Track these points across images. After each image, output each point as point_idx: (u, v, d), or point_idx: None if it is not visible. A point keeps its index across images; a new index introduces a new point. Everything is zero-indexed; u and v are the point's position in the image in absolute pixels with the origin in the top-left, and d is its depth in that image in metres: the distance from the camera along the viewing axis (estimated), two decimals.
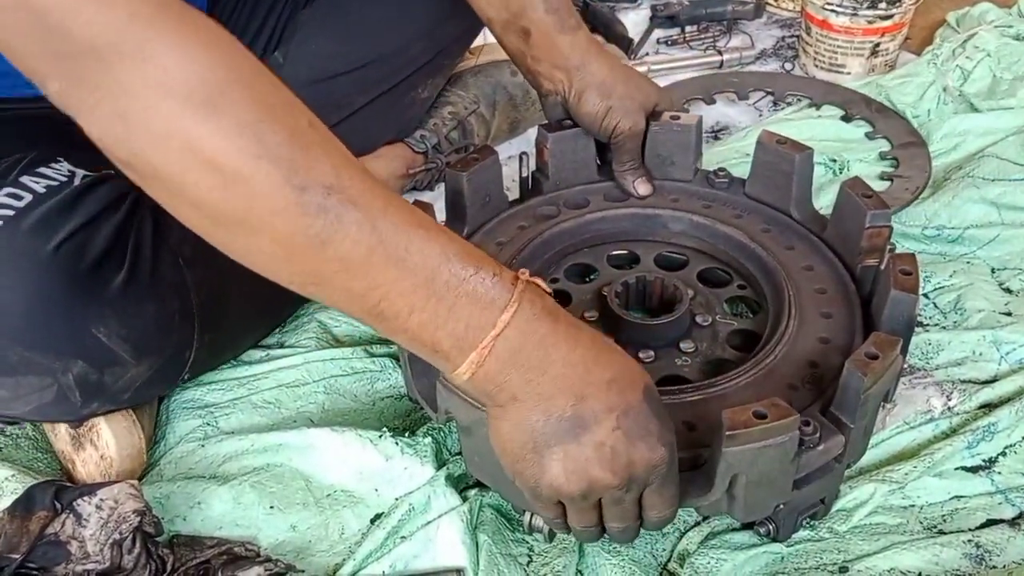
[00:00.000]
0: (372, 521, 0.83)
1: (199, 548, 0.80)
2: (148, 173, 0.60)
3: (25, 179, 0.79)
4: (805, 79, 1.46)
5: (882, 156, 1.26)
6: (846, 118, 1.34)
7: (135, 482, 0.77)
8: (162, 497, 0.83)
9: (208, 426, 0.91)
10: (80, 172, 0.82)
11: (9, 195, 0.77)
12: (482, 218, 0.97)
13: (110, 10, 0.55)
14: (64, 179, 0.81)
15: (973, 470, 0.84)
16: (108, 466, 0.84)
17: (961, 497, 0.83)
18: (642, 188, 0.99)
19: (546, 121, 1.02)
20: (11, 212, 0.76)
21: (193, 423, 0.91)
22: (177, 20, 0.57)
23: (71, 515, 0.74)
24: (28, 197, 0.78)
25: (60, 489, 0.75)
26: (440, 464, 0.85)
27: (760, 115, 1.39)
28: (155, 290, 0.80)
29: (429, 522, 0.80)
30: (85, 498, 0.74)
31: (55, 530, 0.73)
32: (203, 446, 0.89)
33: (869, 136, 1.31)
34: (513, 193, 1.01)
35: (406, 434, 0.87)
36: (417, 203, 0.89)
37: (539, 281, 0.66)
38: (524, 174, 1.01)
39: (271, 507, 0.83)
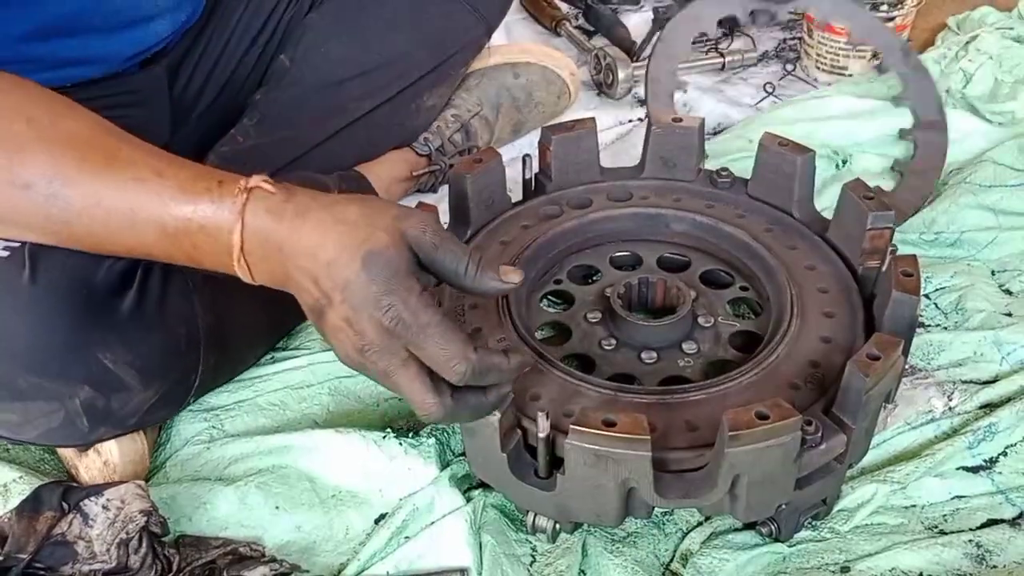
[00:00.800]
0: (376, 521, 0.84)
1: (204, 548, 0.80)
2: None
3: None
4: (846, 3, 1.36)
5: (901, 135, 1.26)
6: (880, 68, 1.31)
7: (141, 482, 0.78)
8: (168, 498, 0.84)
9: (213, 428, 0.91)
10: None
11: None
12: (485, 219, 0.97)
13: None
14: None
15: (974, 470, 0.85)
16: (111, 472, 0.84)
17: (962, 497, 0.83)
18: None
19: (549, 124, 1.02)
20: (16, 243, 0.76)
21: (199, 426, 0.91)
22: None
23: (78, 515, 0.74)
24: None
25: (67, 489, 0.76)
26: (444, 465, 0.86)
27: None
28: (163, 316, 0.81)
29: (433, 522, 0.81)
30: (92, 498, 0.75)
31: (62, 530, 0.73)
32: (208, 448, 0.89)
33: (896, 101, 1.29)
34: (516, 195, 1.02)
35: (410, 435, 0.88)
36: (421, 205, 0.90)
37: (262, 182, 0.70)
38: (527, 176, 1.02)
39: (276, 507, 0.84)
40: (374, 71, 1.12)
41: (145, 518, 0.74)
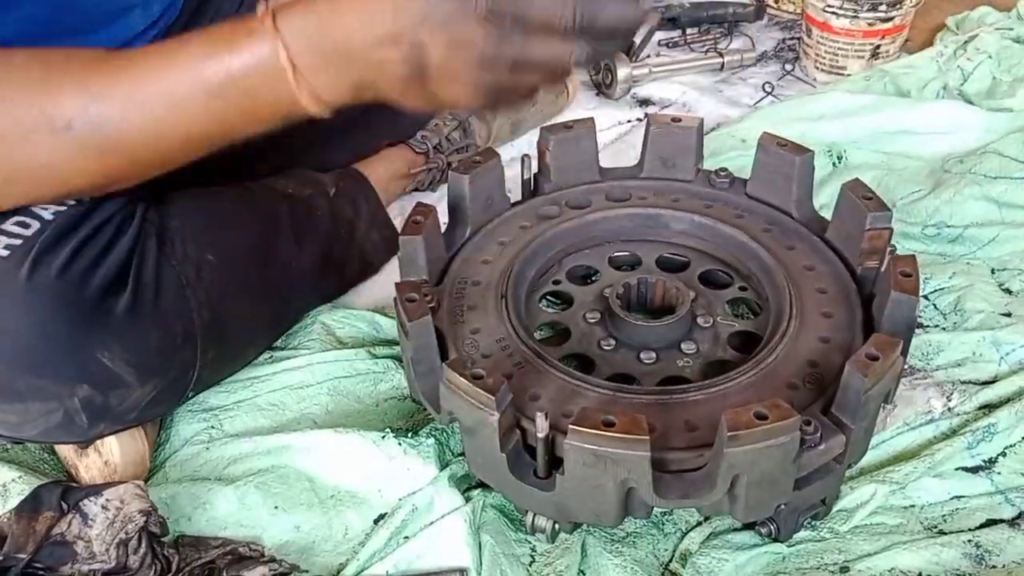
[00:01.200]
0: (375, 521, 0.84)
1: (204, 548, 0.80)
2: None
3: (36, 207, 0.80)
4: None
5: None
6: None
7: (140, 483, 0.78)
8: (167, 498, 0.84)
9: (213, 429, 0.91)
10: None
11: (18, 223, 0.78)
12: (484, 219, 0.97)
13: None
14: (71, 202, 0.80)
15: (973, 470, 0.85)
16: (112, 472, 0.84)
17: (961, 497, 0.83)
18: None
19: (548, 124, 1.02)
20: (18, 241, 0.76)
21: (198, 426, 0.91)
22: None
23: (77, 515, 0.74)
24: (36, 224, 0.78)
25: (67, 490, 0.76)
26: (443, 465, 0.86)
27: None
28: (158, 313, 0.81)
29: (432, 522, 0.81)
30: (91, 498, 0.75)
31: (61, 530, 0.73)
32: (208, 448, 0.89)
33: None
34: (515, 195, 1.02)
35: (409, 435, 0.88)
36: (419, 205, 0.90)
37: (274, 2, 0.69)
38: (526, 176, 1.02)
39: (275, 507, 0.84)
40: None
41: (144, 518, 0.74)
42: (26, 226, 0.77)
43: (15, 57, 0.70)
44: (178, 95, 0.69)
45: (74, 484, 0.78)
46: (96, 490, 0.75)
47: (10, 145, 0.69)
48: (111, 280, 0.78)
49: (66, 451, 0.88)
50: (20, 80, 0.69)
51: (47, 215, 0.79)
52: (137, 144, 0.70)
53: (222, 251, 0.89)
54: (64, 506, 0.75)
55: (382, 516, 0.84)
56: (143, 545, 0.74)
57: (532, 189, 1.02)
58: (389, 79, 0.67)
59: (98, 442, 0.85)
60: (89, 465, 0.85)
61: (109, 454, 0.84)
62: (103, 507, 0.74)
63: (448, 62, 0.64)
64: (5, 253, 0.75)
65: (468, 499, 0.82)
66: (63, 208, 0.80)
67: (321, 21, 0.66)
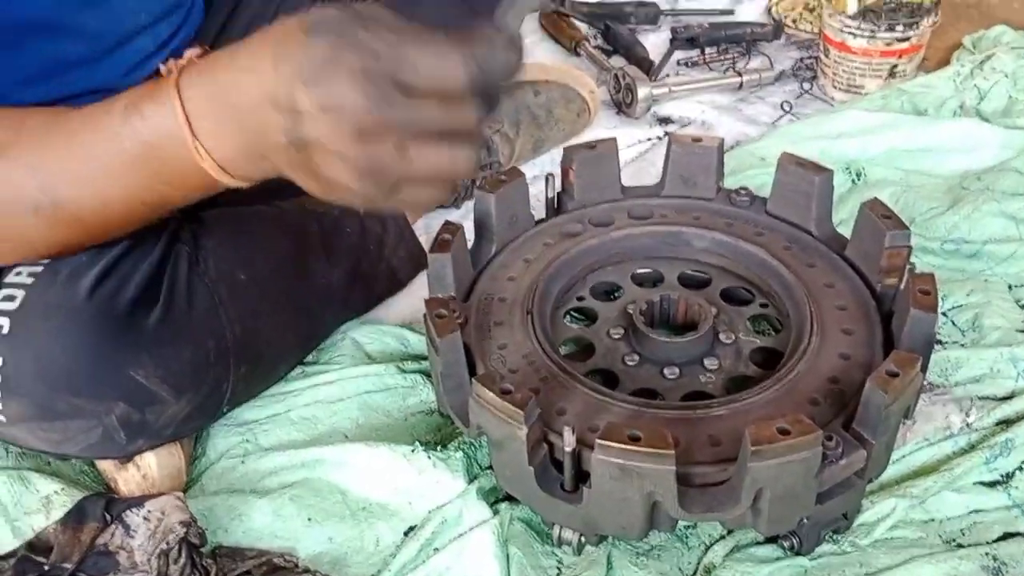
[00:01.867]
0: (406, 533, 0.85)
1: (240, 559, 0.82)
2: None
3: None
4: None
5: None
6: None
7: (180, 494, 0.80)
8: (205, 510, 0.86)
9: (247, 442, 0.93)
10: None
11: None
12: (509, 237, 1.00)
13: None
14: None
15: (991, 485, 0.86)
16: (150, 485, 0.86)
17: (979, 511, 0.84)
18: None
19: (571, 142, 1.04)
20: (39, 268, 0.79)
21: (233, 439, 0.94)
22: None
23: (120, 526, 0.77)
24: None
25: (110, 501, 0.78)
26: (471, 478, 0.88)
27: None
28: (191, 330, 0.83)
29: (461, 535, 0.83)
30: (133, 510, 0.77)
31: (105, 540, 0.76)
32: (243, 462, 0.91)
33: None
34: (539, 213, 1.04)
35: (438, 448, 0.90)
36: (447, 224, 0.92)
37: (170, 66, 0.68)
38: (550, 194, 1.04)
39: (309, 519, 0.86)
40: None
41: (184, 529, 0.76)
42: None
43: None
44: (108, 164, 0.70)
45: (116, 496, 0.80)
46: (138, 502, 0.77)
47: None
48: (141, 297, 0.80)
49: (105, 465, 0.90)
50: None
51: None
52: (89, 215, 0.73)
53: (254, 269, 0.91)
54: (107, 517, 0.77)
55: (412, 528, 0.86)
56: (183, 555, 0.76)
57: (556, 207, 1.05)
58: (274, 149, 0.62)
59: (136, 456, 0.87)
60: (128, 479, 0.87)
61: (147, 468, 0.86)
62: (144, 518, 0.77)
63: (321, 130, 0.57)
64: (30, 280, 0.78)
65: (496, 512, 0.84)
66: None
67: (217, 77, 0.63)
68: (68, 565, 0.74)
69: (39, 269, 0.79)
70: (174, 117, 0.65)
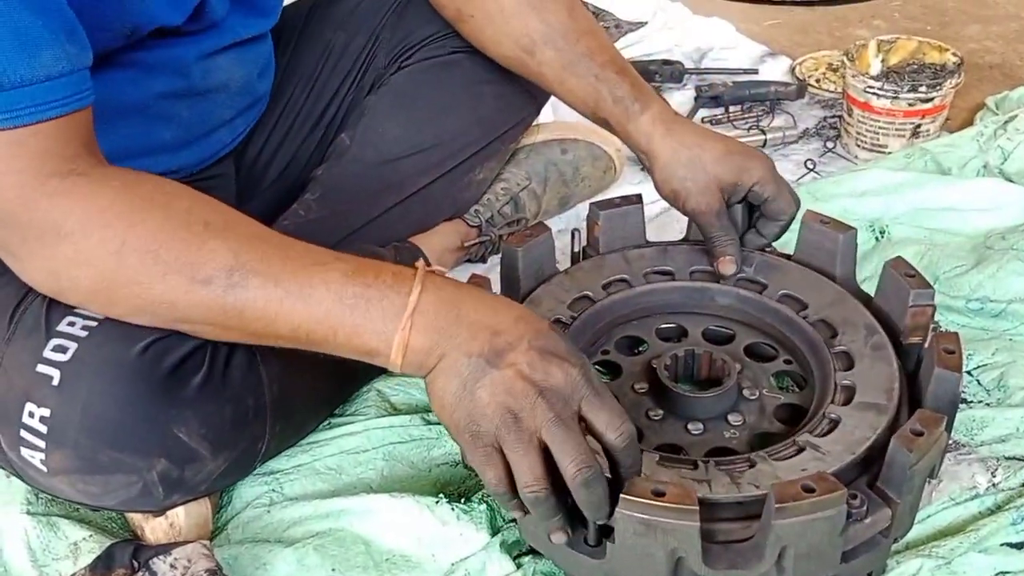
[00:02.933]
0: None
1: None
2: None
3: None
4: None
5: None
6: None
7: (207, 542, 0.80)
8: (230, 559, 0.86)
9: (273, 492, 0.94)
10: None
11: None
12: (534, 290, 1.01)
13: (23, 192, 0.71)
14: None
15: (1018, 546, 0.85)
16: (176, 534, 0.87)
17: (1006, 573, 0.83)
18: (724, 268, 1.00)
19: (597, 198, 1.06)
20: (95, 323, 0.80)
21: (259, 489, 0.94)
22: (83, 194, 0.73)
23: (147, 573, 0.77)
24: None
25: (137, 548, 0.79)
26: (495, 531, 0.88)
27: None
28: (231, 389, 0.84)
29: None
30: (160, 557, 0.78)
31: None
32: (269, 511, 0.92)
33: None
34: (564, 266, 1.05)
35: (462, 500, 0.90)
36: (473, 277, 0.93)
37: (437, 268, 0.78)
38: (576, 249, 1.05)
39: (333, 570, 0.86)
40: (428, 150, 1.16)
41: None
42: None
43: (178, 202, 0.76)
44: (314, 291, 0.73)
45: (144, 543, 0.81)
46: (165, 549, 0.78)
47: (150, 282, 0.73)
48: (187, 357, 0.81)
49: (133, 514, 0.91)
50: (178, 227, 0.74)
51: None
52: (254, 316, 0.74)
53: None
54: (135, 564, 0.78)
55: None
56: None
57: (581, 261, 1.06)
58: (460, 356, 0.72)
59: None
60: (155, 527, 0.88)
61: (175, 516, 0.87)
62: (171, 566, 0.77)
63: (507, 377, 0.71)
64: (84, 333, 0.79)
65: (519, 565, 0.84)
66: None
67: (459, 293, 0.75)
68: None
69: (94, 324, 0.80)
70: (408, 293, 0.73)
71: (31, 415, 0.79)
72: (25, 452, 0.80)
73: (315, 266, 0.74)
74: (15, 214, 0.72)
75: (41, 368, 0.79)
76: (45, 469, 0.80)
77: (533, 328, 0.73)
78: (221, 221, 0.76)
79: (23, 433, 0.79)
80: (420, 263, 0.76)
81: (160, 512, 0.87)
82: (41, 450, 0.79)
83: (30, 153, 0.71)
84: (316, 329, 0.74)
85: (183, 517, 0.87)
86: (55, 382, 0.78)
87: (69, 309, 0.81)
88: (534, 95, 1.22)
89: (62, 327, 0.80)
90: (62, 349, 0.79)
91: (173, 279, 0.73)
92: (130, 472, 0.80)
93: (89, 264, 0.73)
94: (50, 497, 0.91)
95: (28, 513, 0.90)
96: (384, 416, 1.00)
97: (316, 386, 0.96)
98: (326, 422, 1.01)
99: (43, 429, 0.78)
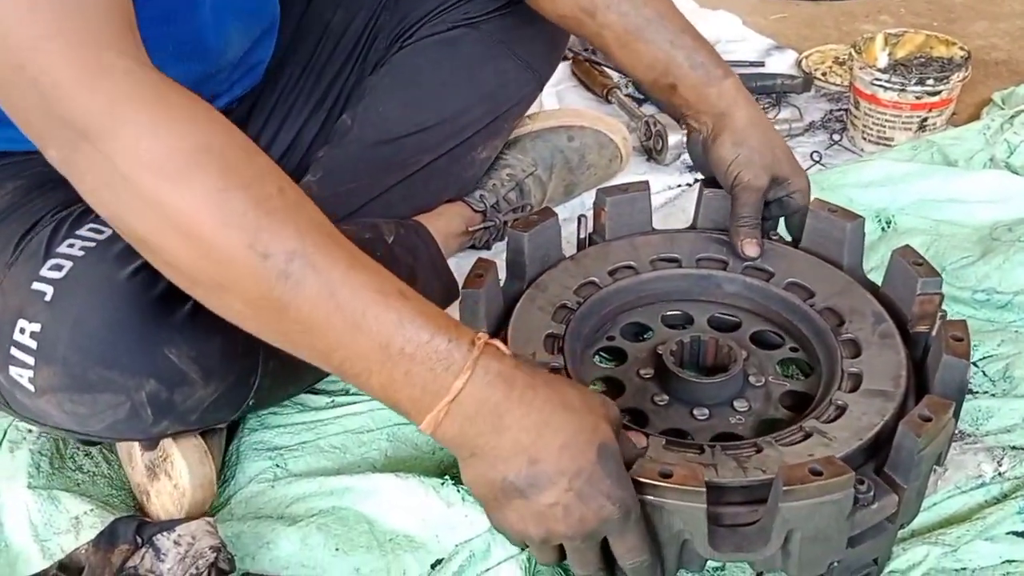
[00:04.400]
0: (433, 566, 0.85)
1: None
2: (129, 236, 0.69)
3: None
4: None
5: None
6: None
7: (211, 520, 0.80)
8: (233, 536, 0.86)
9: (277, 468, 0.94)
10: None
11: (92, 229, 0.83)
12: (540, 275, 1.00)
13: (94, 95, 0.64)
14: None
15: None
16: (181, 495, 0.87)
17: (1012, 561, 0.83)
18: (748, 249, 0.99)
19: (603, 185, 1.05)
20: (92, 244, 0.81)
21: (263, 464, 0.94)
22: (152, 100, 0.65)
23: (150, 549, 0.77)
24: (108, 231, 0.82)
25: (141, 524, 0.79)
26: None
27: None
28: (221, 320, 0.84)
29: (488, 569, 0.82)
30: (164, 533, 0.77)
31: (135, 563, 0.76)
32: (272, 487, 0.92)
33: None
34: (570, 253, 1.04)
35: None
36: (480, 261, 0.93)
37: (498, 344, 0.71)
38: (582, 235, 1.05)
39: (336, 549, 0.86)
40: (430, 128, 1.15)
41: (214, 554, 0.77)
42: (99, 232, 0.82)
43: (258, 157, 0.69)
44: (364, 325, 0.66)
45: (148, 520, 0.81)
46: (169, 525, 0.78)
47: (212, 230, 0.65)
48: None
49: (139, 478, 0.91)
50: (253, 180, 0.66)
51: None
52: (294, 319, 0.67)
53: None
54: (139, 540, 0.77)
55: (439, 561, 0.85)
56: None
57: (587, 248, 1.05)
58: (492, 472, 0.70)
59: (168, 467, 0.88)
60: (160, 490, 0.88)
61: (178, 477, 0.87)
62: (175, 542, 0.77)
63: (542, 512, 0.69)
64: (81, 253, 0.80)
65: (523, 548, 0.84)
66: None
67: (507, 399, 0.68)
68: None
69: (92, 245, 0.81)
70: (456, 375, 0.67)
71: (22, 331, 0.78)
72: (14, 371, 0.80)
73: (376, 294, 0.67)
74: (89, 118, 0.64)
75: (36, 285, 0.79)
76: (33, 388, 0.80)
77: (576, 465, 0.68)
78: (294, 195, 0.68)
79: (13, 351, 0.79)
80: (481, 336, 0.70)
81: (150, 443, 0.86)
82: (30, 367, 0.79)
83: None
84: (355, 362, 0.68)
85: (187, 477, 0.87)
86: (47, 298, 0.78)
87: (71, 232, 0.81)
88: (536, 70, 1.21)
89: (61, 248, 0.81)
90: (58, 268, 0.79)
91: (231, 233, 0.64)
92: (118, 391, 0.80)
93: (145, 168, 0.64)
94: (51, 470, 0.91)
95: (29, 487, 0.90)
96: None
97: None
98: (329, 401, 1.01)
99: (33, 344, 0.78)
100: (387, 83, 1.15)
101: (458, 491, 0.88)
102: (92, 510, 0.87)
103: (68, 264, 0.80)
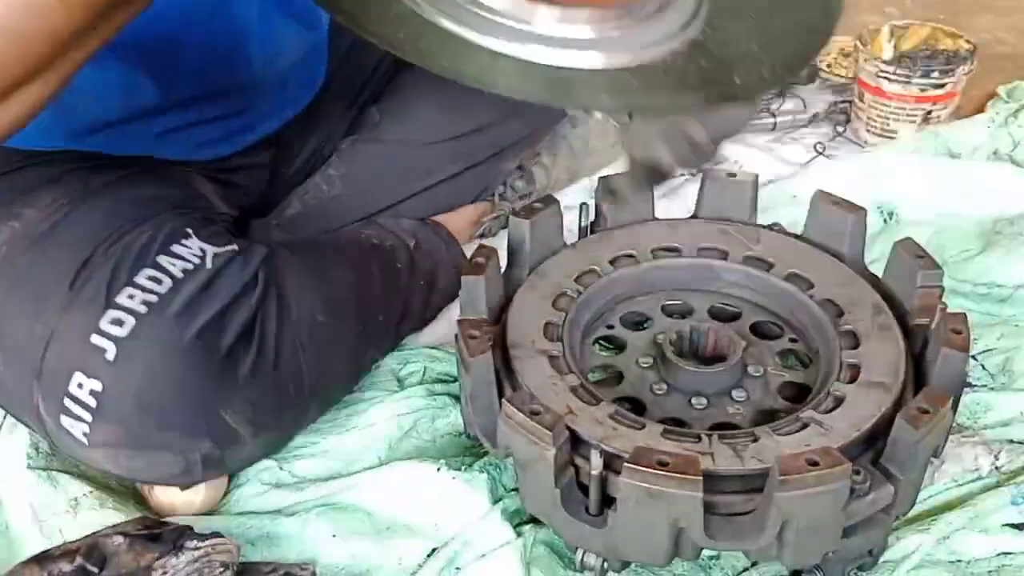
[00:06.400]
0: (429, 555, 0.86)
1: (256, 574, 0.82)
2: None
3: (162, 259, 0.84)
4: None
5: None
6: None
7: (238, 544, 0.80)
8: (233, 525, 0.87)
9: (280, 469, 0.94)
10: (210, 250, 0.86)
11: (150, 279, 0.82)
12: (540, 263, 1.00)
13: None
14: (198, 260, 0.85)
15: (1019, 527, 0.85)
16: (193, 494, 0.87)
17: (1008, 554, 0.83)
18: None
19: (606, 174, 1.05)
20: (154, 298, 0.80)
21: (266, 463, 0.94)
22: None
23: (175, 551, 0.76)
24: (168, 282, 0.82)
25: (183, 531, 0.78)
26: (495, 499, 0.88)
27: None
28: (277, 373, 0.85)
29: (484, 555, 0.83)
30: (194, 541, 0.77)
31: (160, 563, 0.75)
32: (275, 488, 0.92)
33: None
34: (572, 240, 1.04)
35: (463, 469, 0.90)
36: (481, 247, 0.93)
37: None
38: (584, 223, 1.05)
39: (334, 535, 0.86)
40: (463, 137, 1.13)
41: (222, 569, 0.76)
42: (159, 282, 0.81)
43: None
44: None
45: (191, 528, 0.80)
46: (203, 536, 0.77)
47: None
48: (238, 340, 0.82)
49: None
50: None
51: (176, 272, 0.83)
52: None
53: (329, 310, 0.92)
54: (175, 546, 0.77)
55: (435, 549, 0.86)
56: None
57: (589, 236, 1.05)
58: None
59: None
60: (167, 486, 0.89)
61: None
62: (195, 548, 0.76)
63: None
64: (143, 309, 0.79)
65: (520, 534, 0.84)
66: (190, 265, 0.84)
67: None
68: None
69: (154, 300, 0.80)
70: None
71: (80, 386, 0.78)
72: (66, 420, 0.80)
73: None
74: None
75: (96, 339, 0.78)
76: (87, 442, 0.80)
77: None
78: None
79: (67, 402, 0.79)
80: None
81: (189, 486, 0.87)
82: (86, 422, 0.79)
83: None
84: None
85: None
86: (109, 356, 0.78)
87: (130, 279, 0.80)
88: None
89: (121, 299, 0.80)
90: (119, 322, 0.78)
91: None
92: (176, 452, 0.81)
93: None
94: (49, 451, 0.91)
95: (29, 468, 0.90)
96: (391, 389, 1.01)
97: (343, 368, 0.96)
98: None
99: (92, 403, 0.78)
100: (424, 83, 1.11)
101: (454, 478, 0.88)
102: (91, 492, 0.88)
103: (131, 321, 0.79)
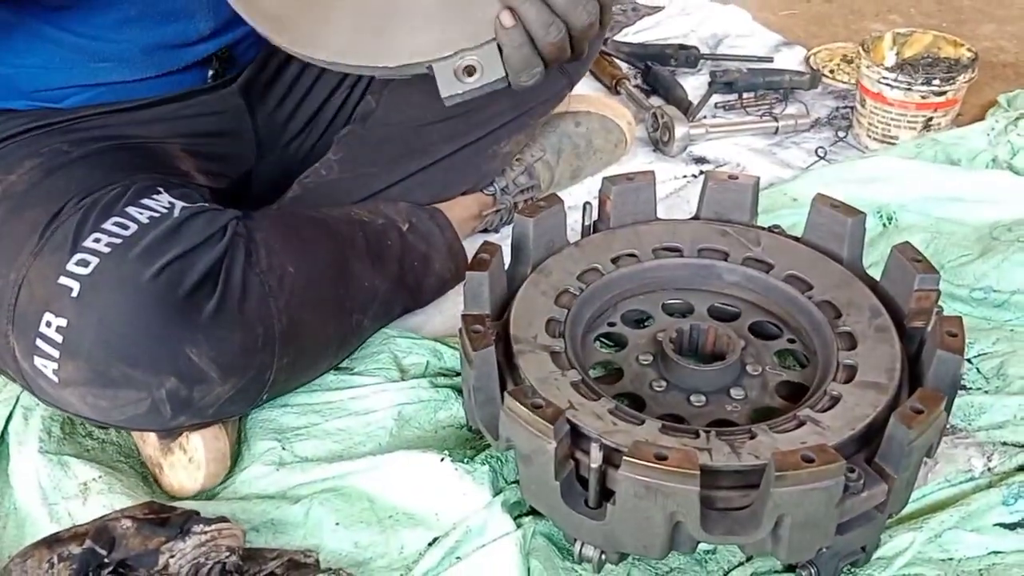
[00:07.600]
0: (430, 544, 0.87)
1: (261, 560, 0.83)
2: None
3: (130, 209, 0.87)
4: None
5: None
6: None
7: (243, 528, 0.81)
8: (238, 510, 0.88)
9: (283, 449, 0.96)
10: (179, 204, 0.89)
11: (116, 224, 0.85)
12: (544, 260, 1.02)
13: None
14: (165, 210, 0.88)
15: (1011, 527, 0.87)
16: (196, 469, 0.89)
17: (999, 553, 0.85)
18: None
19: (608, 173, 1.07)
20: (118, 240, 0.83)
21: (269, 444, 0.96)
22: None
23: (182, 535, 0.78)
24: (133, 227, 0.84)
25: (191, 517, 0.80)
26: (496, 491, 0.90)
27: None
28: (242, 318, 0.86)
29: (484, 545, 0.84)
30: (201, 525, 0.78)
31: (167, 546, 0.77)
32: (277, 469, 0.94)
33: None
34: (575, 239, 1.06)
35: (465, 461, 0.92)
36: (486, 244, 0.94)
37: None
38: (587, 222, 1.06)
39: (336, 524, 0.88)
40: (455, 118, 1.15)
41: (228, 554, 0.78)
42: (125, 227, 0.84)
43: None
44: None
45: (198, 513, 0.82)
46: (209, 521, 0.79)
47: None
48: (201, 283, 0.83)
49: (150, 451, 0.93)
50: None
51: (143, 218, 0.85)
52: None
53: (302, 263, 0.94)
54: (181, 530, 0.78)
55: (437, 539, 0.87)
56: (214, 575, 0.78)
57: (592, 235, 1.07)
58: None
59: (183, 440, 0.90)
60: (174, 463, 0.90)
61: (194, 451, 0.89)
62: (202, 532, 0.78)
63: None
64: (107, 250, 0.82)
65: (519, 525, 0.86)
66: (157, 214, 0.86)
67: None
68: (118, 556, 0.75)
69: (118, 241, 0.83)
70: None
71: (48, 324, 0.81)
72: (39, 361, 0.82)
73: None
74: None
75: (63, 279, 0.81)
76: (56, 379, 0.82)
77: None
78: None
79: (39, 342, 0.81)
80: None
81: (166, 434, 0.88)
82: (54, 360, 0.81)
83: None
84: None
85: (202, 451, 0.89)
86: (74, 293, 0.80)
87: (97, 226, 0.83)
88: (567, 72, 1.21)
89: (87, 242, 0.82)
90: (84, 263, 0.81)
91: None
92: (140, 388, 0.82)
93: None
94: (62, 436, 0.93)
95: (41, 452, 0.92)
96: (394, 378, 1.02)
97: (324, 322, 0.97)
98: (336, 380, 1.02)
99: (59, 339, 0.80)
100: None
101: (456, 469, 0.90)
102: (100, 476, 0.89)
103: (94, 260, 0.81)
